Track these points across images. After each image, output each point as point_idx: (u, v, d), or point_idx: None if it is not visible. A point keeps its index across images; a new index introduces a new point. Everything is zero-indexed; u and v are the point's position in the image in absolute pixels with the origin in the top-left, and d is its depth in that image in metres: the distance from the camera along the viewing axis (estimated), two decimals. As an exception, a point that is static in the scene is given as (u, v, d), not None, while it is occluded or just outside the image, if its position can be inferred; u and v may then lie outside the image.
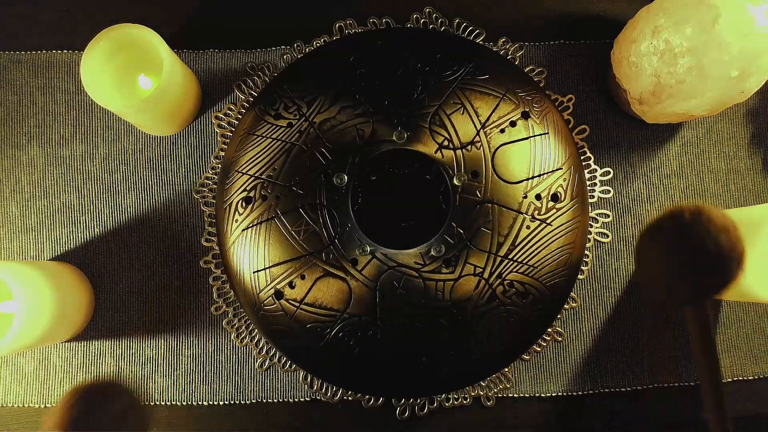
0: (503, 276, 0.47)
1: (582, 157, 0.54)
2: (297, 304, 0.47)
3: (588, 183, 0.54)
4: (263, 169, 0.48)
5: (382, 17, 0.56)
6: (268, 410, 0.52)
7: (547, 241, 0.47)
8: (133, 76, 0.51)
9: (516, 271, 0.47)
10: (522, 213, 0.47)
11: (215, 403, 0.52)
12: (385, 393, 0.51)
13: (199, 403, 0.52)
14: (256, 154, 0.48)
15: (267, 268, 0.47)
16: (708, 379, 0.36)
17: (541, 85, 0.55)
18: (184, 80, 0.50)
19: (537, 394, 0.53)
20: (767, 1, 0.44)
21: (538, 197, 0.47)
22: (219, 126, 0.55)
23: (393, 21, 0.56)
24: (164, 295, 0.53)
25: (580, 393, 0.53)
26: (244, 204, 0.48)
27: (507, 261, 0.47)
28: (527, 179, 0.47)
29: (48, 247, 0.53)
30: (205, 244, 0.53)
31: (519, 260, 0.47)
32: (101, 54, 0.47)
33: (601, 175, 0.55)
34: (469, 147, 0.48)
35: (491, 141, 0.48)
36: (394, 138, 0.48)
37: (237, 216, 0.48)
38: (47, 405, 0.52)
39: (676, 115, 0.50)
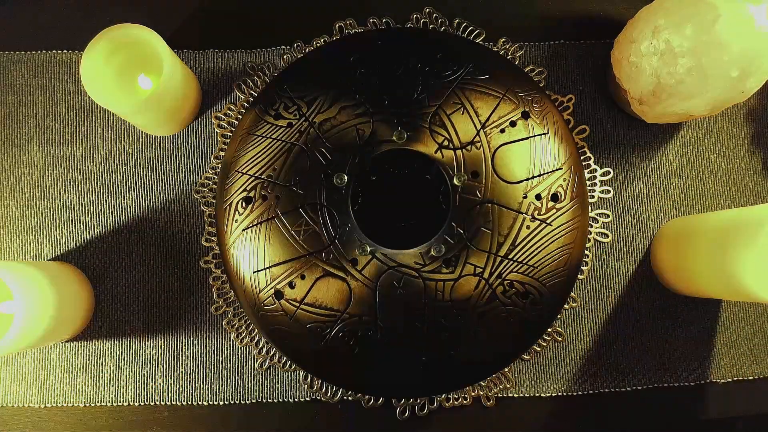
0: (503, 276, 0.47)
1: (582, 157, 0.54)
2: (297, 304, 0.47)
3: (588, 183, 0.54)
4: (263, 169, 0.48)
5: (382, 17, 0.56)
6: (268, 410, 0.52)
7: (547, 241, 0.47)
8: (133, 76, 0.51)
9: (516, 271, 0.47)
10: (522, 213, 0.47)
11: (215, 403, 0.52)
12: (385, 393, 0.51)
13: (199, 403, 0.52)
14: (256, 154, 0.48)
15: (267, 268, 0.47)
16: None
17: (541, 85, 0.55)
18: (184, 80, 0.50)
19: (537, 394, 0.53)
20: (767, 1, 0.44)
21: (538, 197, 0.47)
22: (219, 126, 0.55)
23: (393, 21, 0.56)
24: (164, 295, 0.53)
25: (580, 393, 0.53)
26: (244, 204, 0.48)
27: (507, 261, 0.47)
28: (527, 179, 0.47)
29: (48, 247, 0.53)
30: (205, 244, 0.53)
31: (519, 260, 0.47)
32: (101, 54, 0.47)
33: (601, 175, 0.55)
34: (469, 147, 0.48)
35: (491, 141, 0.48)
36: (394, 138, 0.48)
37: (237, 216, 0.48)
38: (47, 405, 0.52)
39: (676, 115, 0.50)
